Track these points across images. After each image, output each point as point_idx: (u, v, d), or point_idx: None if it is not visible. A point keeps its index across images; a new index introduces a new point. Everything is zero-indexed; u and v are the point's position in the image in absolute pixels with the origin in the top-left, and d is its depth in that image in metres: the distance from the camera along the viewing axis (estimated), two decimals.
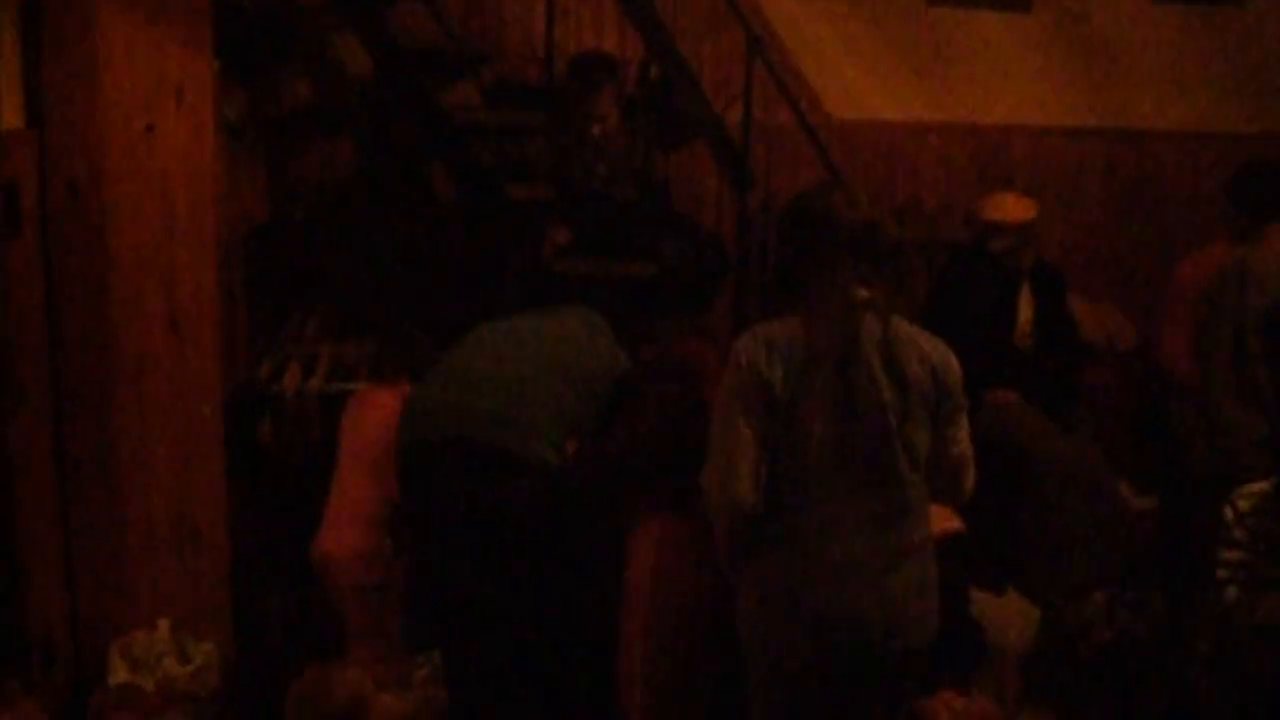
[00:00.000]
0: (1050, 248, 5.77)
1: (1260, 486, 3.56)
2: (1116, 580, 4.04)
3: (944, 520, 3.62)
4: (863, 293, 3.01)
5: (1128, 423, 5.86)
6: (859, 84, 6.16)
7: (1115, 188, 6.24)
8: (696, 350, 3.98)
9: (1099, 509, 4.77)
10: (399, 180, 5.25)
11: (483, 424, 3.71)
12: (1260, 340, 4.41)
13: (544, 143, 5.04)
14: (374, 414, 4.15)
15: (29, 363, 3.77)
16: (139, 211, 3.91)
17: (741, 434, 2.98)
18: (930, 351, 3.08)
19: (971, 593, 4.39)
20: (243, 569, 4.34)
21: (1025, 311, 5.06)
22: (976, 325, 4.82)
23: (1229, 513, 3.55)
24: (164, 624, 4.09)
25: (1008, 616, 4.31)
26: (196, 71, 3.97)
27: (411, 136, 5.19)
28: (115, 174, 3.85)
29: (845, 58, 6.09)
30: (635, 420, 3.75)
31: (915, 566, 3.07)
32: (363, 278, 5.08)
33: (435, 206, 5.28)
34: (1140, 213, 6.24)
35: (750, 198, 5.34)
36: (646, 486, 3.63)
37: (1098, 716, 2.71)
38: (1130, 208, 6.25)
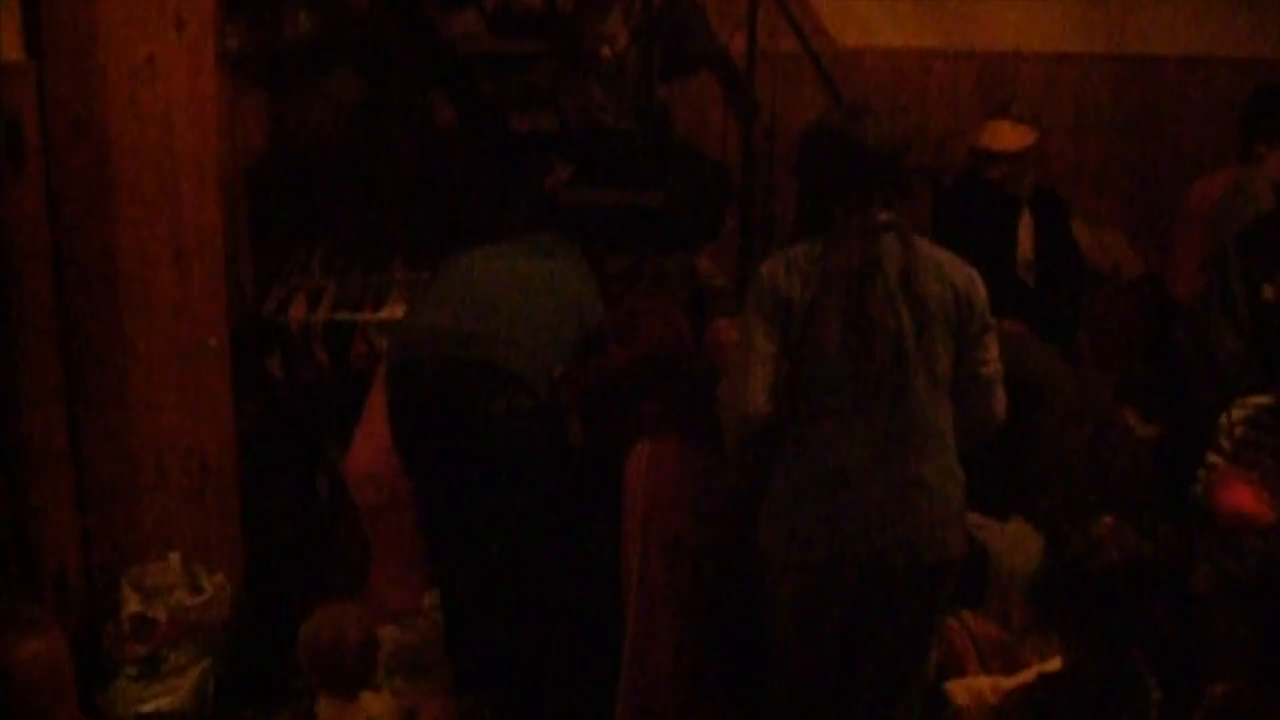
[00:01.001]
0: (1059, 175, 5.74)
1: (1261, 400, 3.58)
2: (1123, 506, 4.05)
3: None
4: (883, 215, 3.12)
5: (1134, 350, 5.85)
6: (865, 11, 6.10)
7: (1125, 114, 6.18)
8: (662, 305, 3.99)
9: (1104, 437, 4.77)
10: (401, 111, 5.22)
11: (472, 342, 3.70)
12: (1237, 258, 4.43)
13: (546, 70, 5.00)
14: None
15: (35, 298, 3.77)
16: (141, 143, 3.90)
17: (759, 346, 3.10)
18: (953, 273, 3.18)
19: (978, 519, 4.41)
20: (252, 501, 4.37)
21: (1026, 239, 5.04)
22: (977, 253, 4.81)
23: (1224, 420, 3.59)
24: (175, 556, 4.12)
25: (1013, 544, 4.33)
26: (196, 1, 3.94)
27: (413, 66, 5.15)
28: (116, 105, 3.83)
29: None
30: (618, 350, 3.77)
31: (932, 482, 3.13)
32: (366, 209, 5.07)
33: (438, 137, 5.25)
34: (1151, 139, 6.18)
35: (755, 126, 5.30)
36: (635, 409, 3.66)
37: (1103, 638, 2.73)
38: (1140, 134, 6.20)
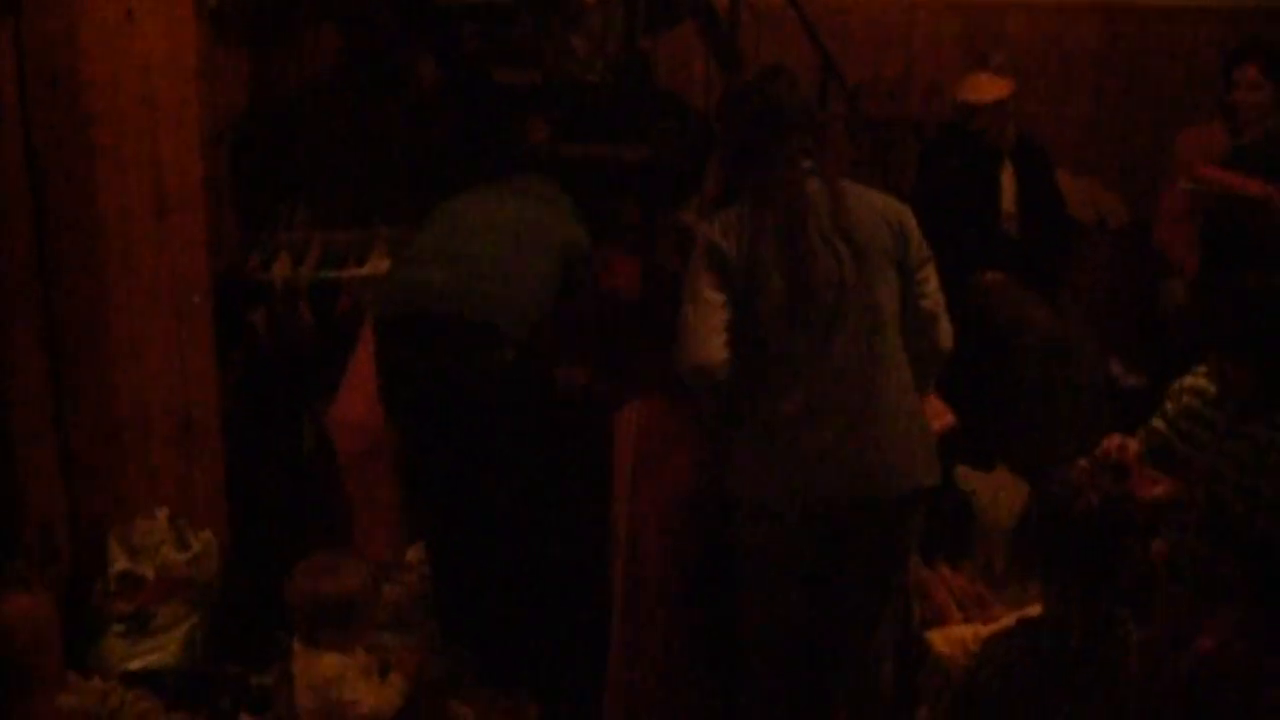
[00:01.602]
0: (1045, 127, 5.72)
1: None
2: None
3: (938, 417, 3.69)
4: (806, 163, 3.22)
5: (1120, 300, 5.86)
6: None
7: (1111, 64, 6.16)
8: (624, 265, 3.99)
9: (1089, 387, 4.79)
10: (384, 65, 5.18)
11: (455, 298, 3.70)
12: None
13: (529, 23, 4.96)
14: None
15: (15, 256, 3.76)
16: (121, 99, 3.88)
17: (707, 299, 3.17)
18: (885, 208, 3.26)
19: (962, 470, 4.43)
20: (238, 457, 4.37)
21: (1008, 190, 5.05)
22: (960, 206, 4.82)
23: (1175, 384, 3.57)
24: (162, 513, 4.13)
25: (998, 493, 4.36)
26: None
27: (395, 20, 5.11)
28: (95, 61, 3.82)
29: None
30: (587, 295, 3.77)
31: (889, 416, 3.18)
32: (349, 164, 5.03)
33: (421, 92, 5.22)
34: (1137, 89, 6.17)
35: (738, 78, 5.27)
36: (620, 364, 3.67)
37: (1083, 581, 2.75)
38: (1127, 84, 6.19)
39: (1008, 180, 5.06)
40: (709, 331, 3.16)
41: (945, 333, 3.35)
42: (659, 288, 3.76)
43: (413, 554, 4.01)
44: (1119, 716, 2.72)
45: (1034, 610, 2.95)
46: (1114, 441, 3.44)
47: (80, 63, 3.79)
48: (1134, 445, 3.45)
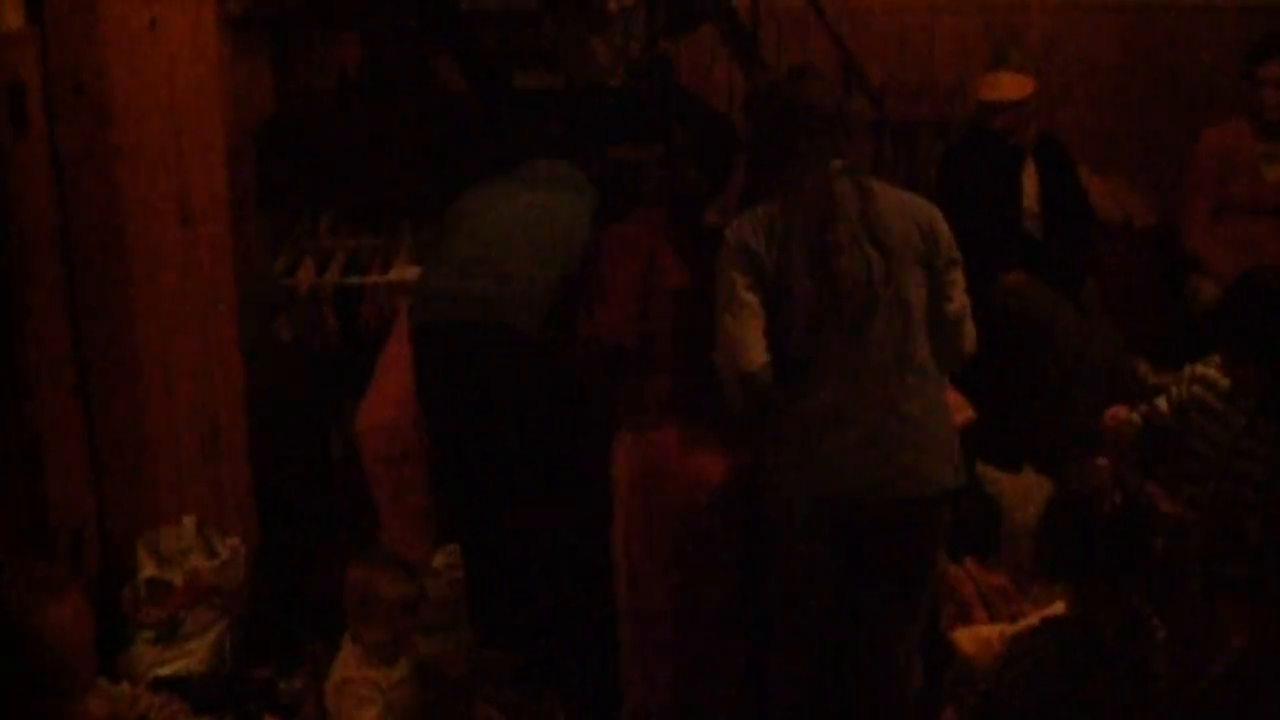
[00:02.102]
0: (1067, 125, 5.71)
1: None
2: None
3: (959, 411, 3.68)
4: (836, 163, 3.21)
5: (1146, 300, 5.84)
6: None
7: (1135, 63, 6.15)
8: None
9: (1115, 387, 4.77)
10: (406, 71, 5.20)
11: (486, 306, 3.73)
12: None
13: (550, 27, 4.97)
14: None
15: (42, 264, 3.77)
16: (145, 108, 3.89)
17: (743, 302, 3.16)
18: (915, 209, 3.26)
19: (989, 472, 4.42)
20: (265, 464, 4.39)
21: (1030, 188, 5.04)
22: (982, 206, 4.81)
23: (1188, 369, 3.54)
24: (189, 520, 4.14)
25: (1024, 494, 4.34)
26: None
27: (417, 25, 5.13)
28: (119, 70, 3.82)
29: None
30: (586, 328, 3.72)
31: (916, 417, 3.17)
32: (372, 170, 5.05)
33: (444, 98, 5.23)
34: (1161, 88, 6.16)
35: (765, 78, 5.26)
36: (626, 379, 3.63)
37: (1109, 580, 2.74)
38: (1151, 83, 6.17)
39: (1030, 179, 5.05)
40: (749, 337, 3.16)
41: (969, 336, 3.34)
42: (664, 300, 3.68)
43: (440, 559, 4.01)
44: (1147, 715, 2.70)
45: (1059, 609, 2.94)
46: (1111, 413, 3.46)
47: (104, 71, 3.80)
48: (1124, 411, 3.45)
